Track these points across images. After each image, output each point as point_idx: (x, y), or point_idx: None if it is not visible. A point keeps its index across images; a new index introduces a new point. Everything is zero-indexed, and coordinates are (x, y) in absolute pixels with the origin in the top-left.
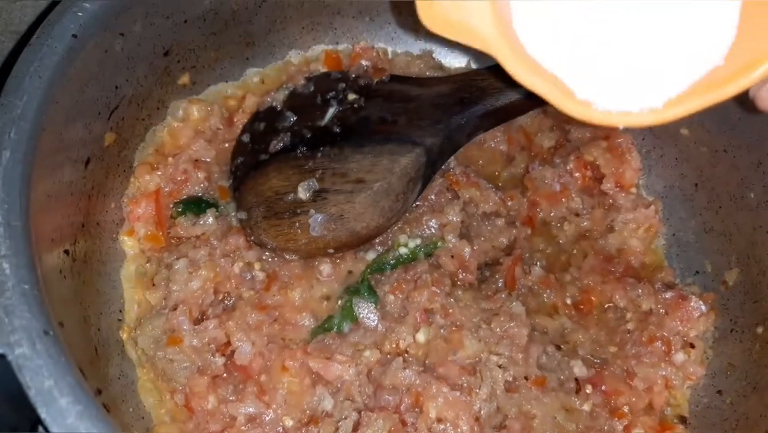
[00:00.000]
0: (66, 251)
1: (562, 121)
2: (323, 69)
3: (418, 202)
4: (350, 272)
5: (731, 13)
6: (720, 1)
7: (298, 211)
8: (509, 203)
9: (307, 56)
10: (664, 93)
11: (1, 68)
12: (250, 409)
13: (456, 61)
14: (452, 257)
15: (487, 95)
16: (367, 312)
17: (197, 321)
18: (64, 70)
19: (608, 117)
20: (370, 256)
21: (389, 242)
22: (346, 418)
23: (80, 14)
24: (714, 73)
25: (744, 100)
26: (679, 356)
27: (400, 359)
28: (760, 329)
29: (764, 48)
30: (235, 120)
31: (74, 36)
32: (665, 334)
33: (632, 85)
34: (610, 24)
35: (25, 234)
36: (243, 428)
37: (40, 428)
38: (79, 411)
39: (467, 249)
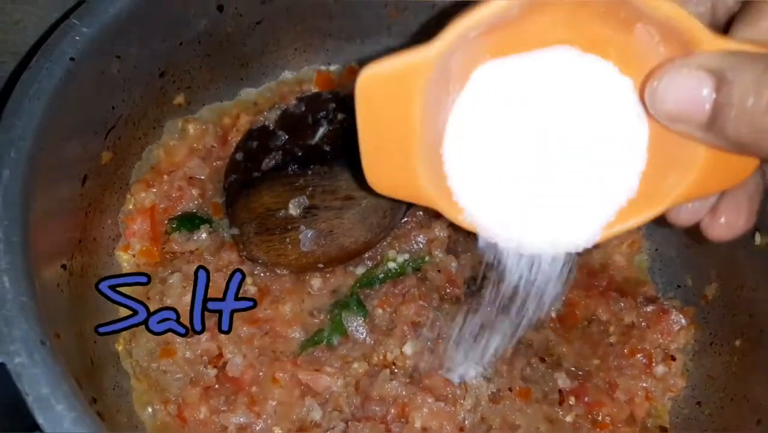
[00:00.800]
0: (63, 266)
1: None
2: (315, 89)
3: (406, 218)
4: (340, 286)
5: (639, 156)
6: (628, 145)
7: (289, 227)
8: None
9: (299, 77)
10: (583, 239)
11: (2, 89)
12: (241, 419)
13: None
14: (439, 271)
15: None
16: (356, 325)
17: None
18: (62, 92)
19: None
20: (360, 270)
21: (378, 257)
22: (333, 428)
23: (78, 38)
24: (630, 204)
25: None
26: (660, 369)
27: (387, 371)
28: (738, 342)
29: (667, 183)
30: (229, 138)
31: (72, 59)
32: (647, 347)
33: (553, 235)
34: (529, 187)
35: (24, 250)
36: None
37: None
38: (74, 417)
39: (454, 264)
